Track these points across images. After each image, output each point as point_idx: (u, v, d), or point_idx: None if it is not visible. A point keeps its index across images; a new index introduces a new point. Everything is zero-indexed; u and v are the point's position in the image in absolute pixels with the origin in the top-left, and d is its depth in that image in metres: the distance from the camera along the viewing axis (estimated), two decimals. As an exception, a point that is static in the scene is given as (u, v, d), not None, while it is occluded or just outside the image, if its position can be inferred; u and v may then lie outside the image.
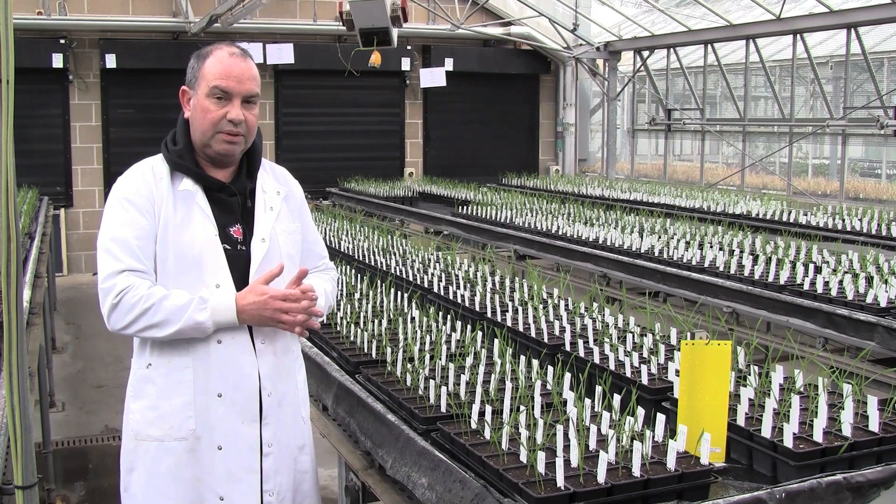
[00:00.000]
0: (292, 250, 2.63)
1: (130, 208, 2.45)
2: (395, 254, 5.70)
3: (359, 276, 4.85)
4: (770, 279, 5.02)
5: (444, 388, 2.75)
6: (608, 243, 6.55)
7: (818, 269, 5.06)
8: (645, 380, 2.85)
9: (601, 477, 2.14)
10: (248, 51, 2.57)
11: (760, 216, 8.08)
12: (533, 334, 3.53)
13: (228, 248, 2.50)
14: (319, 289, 2.62)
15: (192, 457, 2.46)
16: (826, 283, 4.70)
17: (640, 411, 2.49)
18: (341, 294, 4.41)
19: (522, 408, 2.52)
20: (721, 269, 5.41)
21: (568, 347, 3.32)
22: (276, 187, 2.66)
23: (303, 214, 2.74)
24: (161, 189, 2.49)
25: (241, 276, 2.50)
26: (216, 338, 2.45)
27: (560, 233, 7.23)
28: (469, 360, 3.14)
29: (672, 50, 13.28)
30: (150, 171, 2.52)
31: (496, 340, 3.28)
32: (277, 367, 2.56)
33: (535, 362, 3.06)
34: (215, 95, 2.46)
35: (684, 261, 5.71)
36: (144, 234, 2.44)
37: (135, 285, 2.37)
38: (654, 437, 2.35)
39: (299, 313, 2.45)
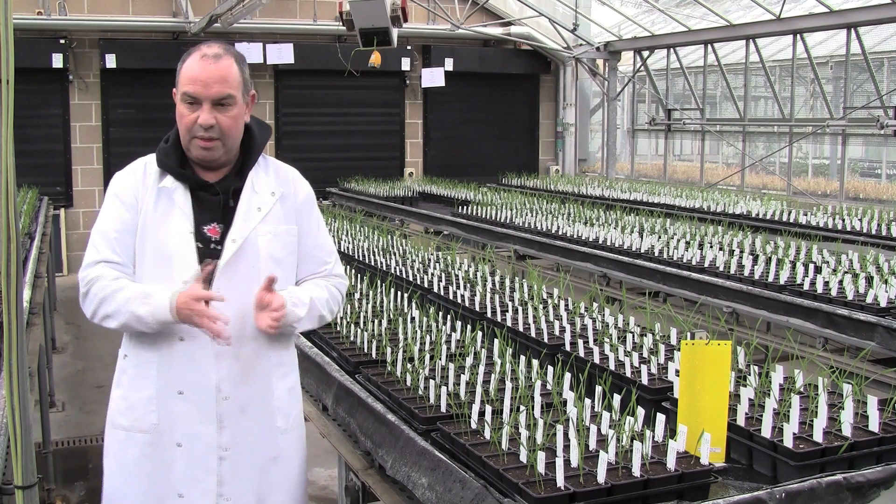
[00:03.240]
0: (278, 253, 2.57)
1: (117, 202, 2.53)
2: (395, 254, 5.70)
3: (359, 276, 4.85)
4: (770, 279, 5.02)
5: (444, 388, 2.75)
6: (608, 243, 6.55)
7: (818, 269, 5.06)
8: (645, 380, 2.85)
9: (601, 477, 2.14)
10: (228, 51, 2.50)
11: (760, 216, 8.08)
12: (533, 334, 3.53)
13: (201, 246, 2.50)
14: (304, 296, 2.55)
15: (155, 451, 2.50)
16: (826, 283, 4.70)
17: (640, 411, 2.49)
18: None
19: (522, 408, 2.52)
20: (721, 269, 5.40)
21: (568, 347, 3.32)
22: (272, 187, 2.61)
23: (303, 217, 2.66)
24: (147, 185, 2.54)
25: (209, 274, 2.49)
26: (178, 335, 2.47)
27: (560, 233, 7.23)
28: (469, 360, 3.14)
29: (672, 50, 13.28)
30: (142, 168, 2.58)
31: (496, 340, 3.28)
32: (241, 371, 2.50)
33: (535, 362, 3.06)
34: (186, 101, 2.46)
35: (684, 261, 5.70)
36: (125, 227, 2.51)
37: (103, 276, 2.45)
38: (654, 437, 2.35)
39: (207, 319, 2.34)
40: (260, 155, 2.64)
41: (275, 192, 2.61)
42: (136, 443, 2.51)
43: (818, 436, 2.36)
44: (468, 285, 4.57)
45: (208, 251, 2.50)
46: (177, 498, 2.48)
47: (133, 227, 2.51)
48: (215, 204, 2.54)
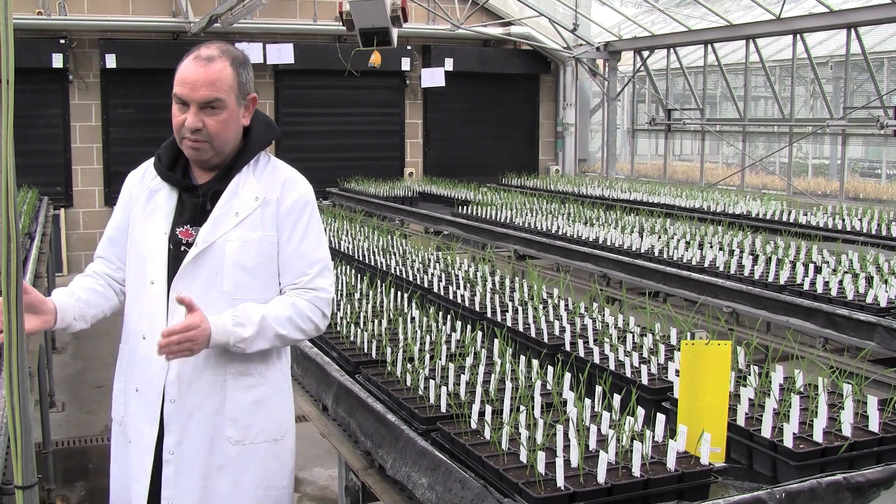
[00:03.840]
0: (248, 261, 2.49)
1: (119, 201, 2.68)
2: (395, 254, 5.70)
3: (359, 276, 4.85)
4: (770, 279, 5.02)
5: (444, 388, 2.75)
6: (608, 243, 6.55)
7: (818, 269, 5.05)
8: (645, 380, 2.85)
9: (601, 477, 2.14)
10: (225, 53, 2.47)
11: (760, 216, 8.08)
12: (533, 334, 3.53)
13: (172, 247, 2.51)
14: (255, 315, 2.42)
15: (122, 440, 2.61)
16: (826, 283, 4.69)
17: (640, 411, 2.49)
18: (341, 294, 4.41)
19: (522, 408, 2.52)
20: (721, 269, 5.40)
21: (568, 347, 3.32)
22: (258, 192, 2.53)
23: (285, 224, 2.55)
24: (143, 185, 2.62)
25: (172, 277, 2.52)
26: (142, 334, 2.51)
27: (560, 233, 7.23)
28: (469, 360, 3.14)
29: (672, 50, 13.28)
30: (144, 168, 2.68)
31: (496, 340, 3.28)
32: (191, 377, 2.47)
33: (535, 362, 3.06)
34: (177, 102, 2.47)
35: (684, 261, 5.70)
36: (118, 225, 2.65)
37: (86, 272, 2.65)
38: (654, 437, 2.35)
39: None
40: (253, 157, 2.58)
41: (259, 196, 2.53)
42: (114, 430, 2.67)
43: (818, 436, 2.36)
44: (468, 285, 4.57)
45: (178, 253, 2.51)
46: (136, 490, 2.54)
47: (124, 226, 2.63)
48: (194, 206, 2.54)
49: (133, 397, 2.54)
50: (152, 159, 2.64)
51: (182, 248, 2.51)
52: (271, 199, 2.55)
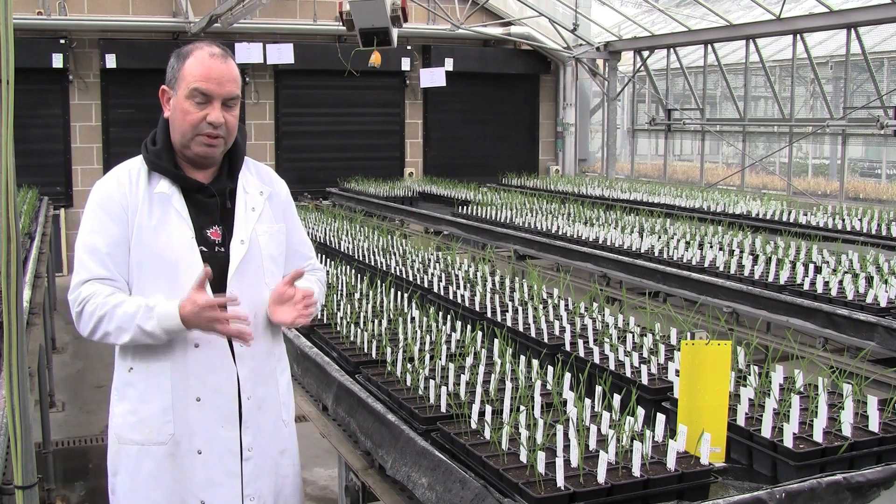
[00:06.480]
0: (274, 251, 2.60)
1: (102, 214, 2.46)
2: (395, 254, 5.70)
3: (359, 276, 4.85)
4: (770, 279, 5.02)
5: (444, 388, 2.75)
6: (608, 243, 6.55)
7: (818, 269, 5.05)
8: (645, 380, 2.85)
9: (601, 477, 2.14)
10: (228, 50, 2.53)
11: (760, 216, 8.08)
12: (533, 334, 3.53)
13: (205, 250, 2.48)
14: (312, 289, 2.62)
15: (173, 461, 2.45)
16: (826, 283, 4.69)
17: (640, 411, 2.49)
18: (341, 294, 4.42)
19: (522, 408, 2.52)
20: (721, 269, 5.40)
21: (568, 347, 3.32)
22: (260, 187, 2.63)
23: (287, 215, 2.70)
24: (136, 193, 2.47)
25: (218, 278, 2.45)
26: (193, 342, 2.44)
27: (560, 233, 7.23)
28: (469, 360, 3.14)
29: (672, 50, 13.28)
30: (127, 175, 2.51)
31: (496, 340, 3.28)
32: (257, 370, 2.53)
33: (535, 362, 3.06)
34: (195, 98, 2.44)
35: (684, 261, 5.70)
36: (115, 240, 2.44)
37: (96, 293, 2.39)
38: (654, 437, 2.35)
39: (230, 322, 2.34)
40: (245, 155, 2.66)
41: (262, 191, 2.64)
42: (150, 456, 2.45)
43: (818, 436, 2.36)
44: (468, 285, 4.57)
45: (213, 254, 2.48)
46: (219, 496, 2.47)
47: (122, 240, 2.44)
48: (213, 206, 2.52)
49: (195, 409, 2.44)
50: (128, 166, 2.54)
51: (216, 248, 2.50)
52: (273, 193, 2.67)
